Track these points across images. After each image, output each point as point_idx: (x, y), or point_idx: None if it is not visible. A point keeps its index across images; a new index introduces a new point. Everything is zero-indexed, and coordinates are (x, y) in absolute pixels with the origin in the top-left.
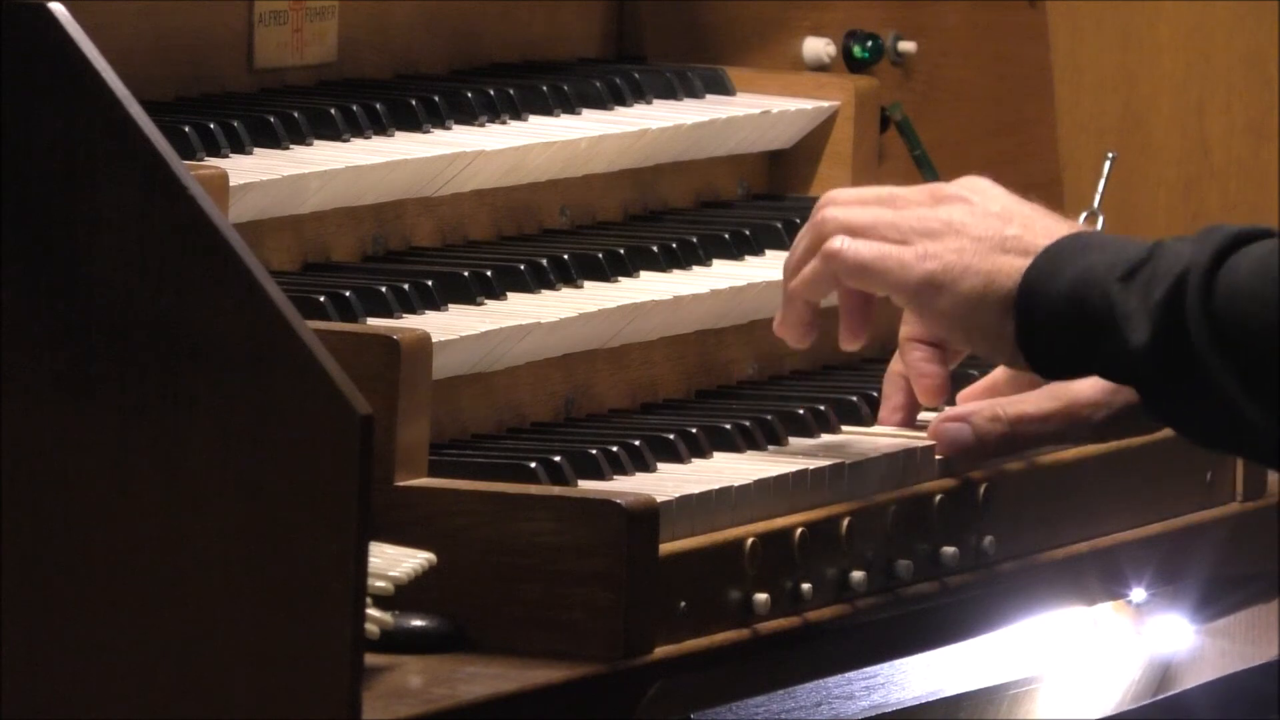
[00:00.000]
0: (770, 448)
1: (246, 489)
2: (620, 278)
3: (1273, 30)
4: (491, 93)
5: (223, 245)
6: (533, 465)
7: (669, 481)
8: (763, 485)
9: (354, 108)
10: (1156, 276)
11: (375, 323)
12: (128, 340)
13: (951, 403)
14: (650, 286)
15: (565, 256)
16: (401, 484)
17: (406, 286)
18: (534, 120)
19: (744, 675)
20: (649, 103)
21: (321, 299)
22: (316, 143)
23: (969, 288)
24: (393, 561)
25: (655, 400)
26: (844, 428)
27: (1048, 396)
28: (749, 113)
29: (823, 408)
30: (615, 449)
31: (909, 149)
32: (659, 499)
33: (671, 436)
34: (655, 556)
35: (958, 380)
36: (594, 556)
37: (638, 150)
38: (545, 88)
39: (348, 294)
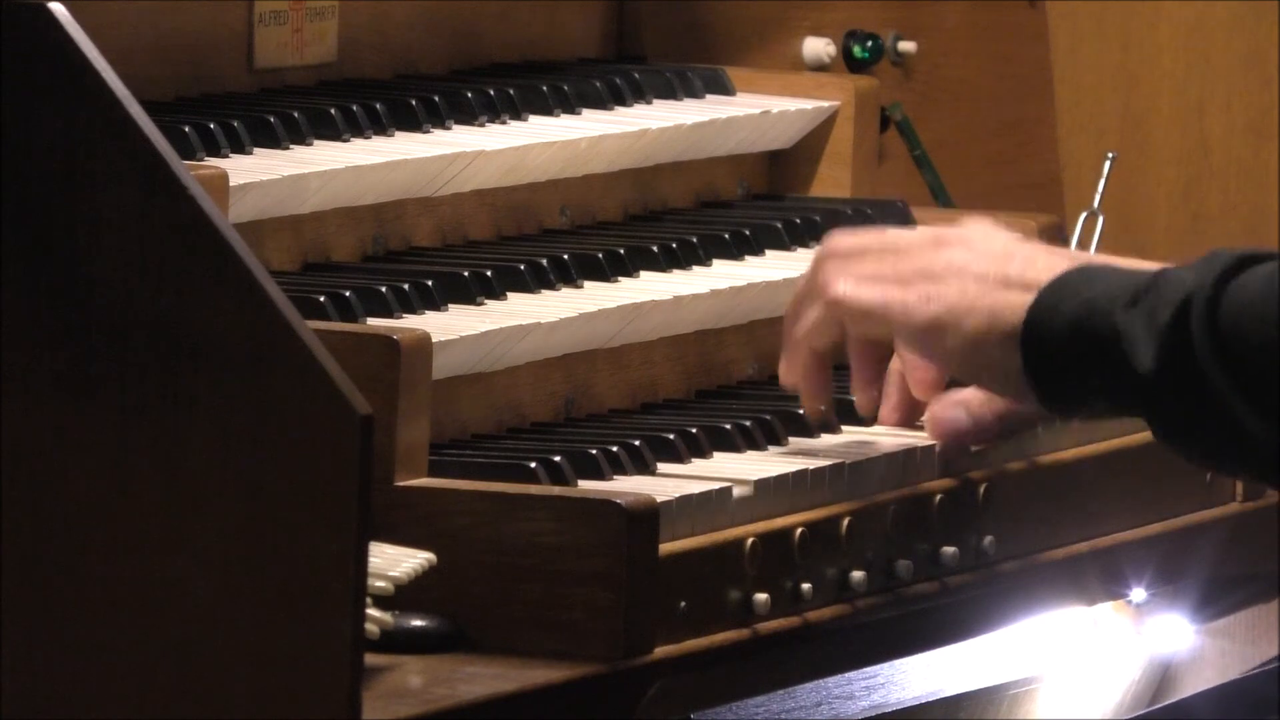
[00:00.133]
0: (770, 448)
1: (246, 489)
2: (620, 278)
3: (1273, 30)
4: (491, 93)
5: (223, 245)
6: (533, 465)
7: (669, 481)
8: (763, 485)
9: (354, 108)
10: (1161, 301)
11: (375, 323)
12: (128, 340)
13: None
14: (650, 286)
15: (565, 256)
16: (401, 484)
17: (406, 286)
18: (534, 120)
19: (744, 675)
20: (649, 103)
21: (321, 299)
22: (316, 143)
23: (974, 326)
24: (393, 561)
25: (655, 400)
26: (844, 428)
27: None
28: (749, 113)
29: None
30: (615, 449)
31: (909, 149)
32: (659, 499)
33: (671, 436)
34: (655, 556)
35: None
36: (594, 556)
37: (638, 150)
38: (545, 88)
39: (348, 294)
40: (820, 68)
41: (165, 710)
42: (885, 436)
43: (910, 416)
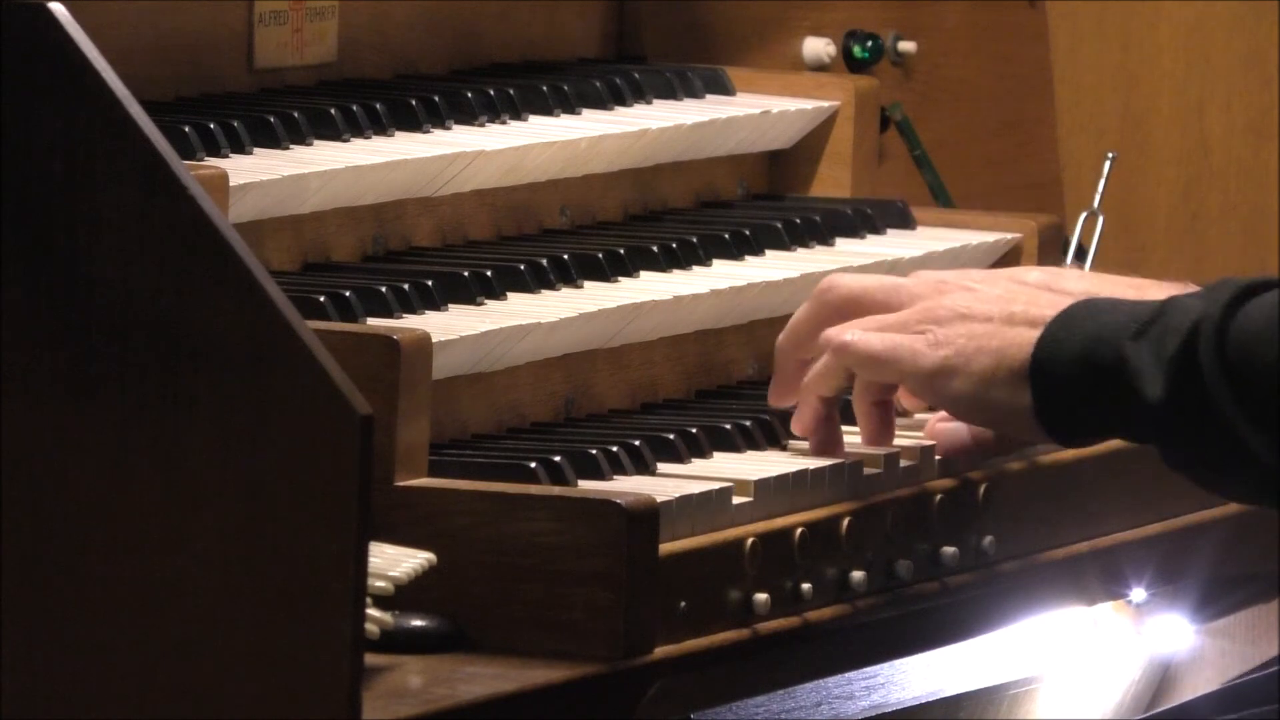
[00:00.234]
0: (770, 448)
1: (246, 489)
2: (620, 278)
3: (1273, 30)
4: (491, 93)
5: (223, 245)
6: (533, 465)
7: (669, 481)
8: (763, 485)
9: (354, 108)
10: (1168, 331)
11: (375, 323)
12: (128, 340)
13: None
14: (650, 286)
15: (565, 256)
16: (401, 484)
17: (406, 286)
18: (534, 120)
19: (744, 675)
20: (649, 103)
21: (321, 299)
22: (316, 143)
23: (982, 367)
24: (393, 561)
25: (655, 400)
26: (844, 428)
27: None
28: (749, 113)
29: None
30: (615, 449)
31: (909, 149)
32: (659, 499)
33: (671, 436)
34: (655, 556)
35: None
36: (594, 556)
37: (638, 150)
38: (545, 88)
39: (348, 294)
40: (820, 68)
41: (165, 710)
42: None
43: (889, 429)
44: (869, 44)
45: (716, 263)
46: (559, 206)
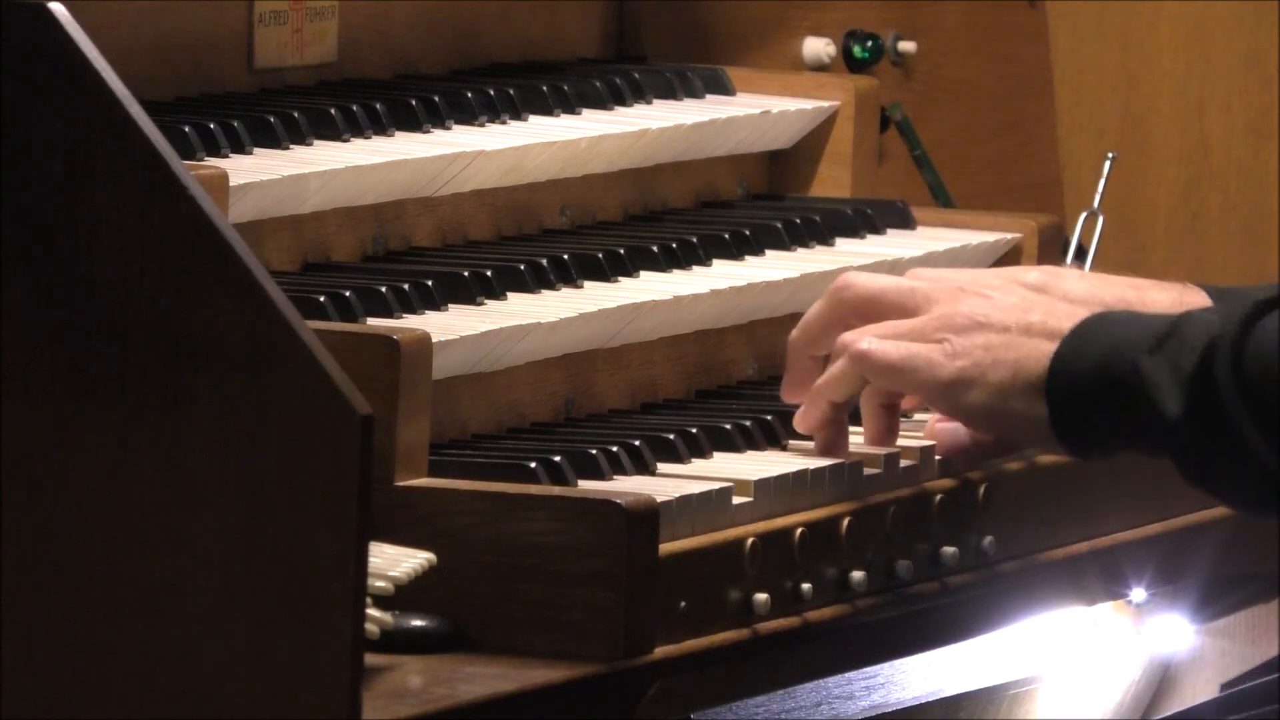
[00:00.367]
0: (770, 448)
1: (246, 489)
2: (620, 278)
3: (1273, 30)
4: (491, 93)
5: (223, 245)
6: (533, 465)
7: (669, 481)
8: (763, 485)
9: (354, 108)
10: (1185, 347)
11: (375, 323)
12: (128, 340)
13: None
14: (650, 286)
15: (565, 256)
16: (401, 484)
17: (406, 286)
18: (534, 120)
19: (744, 675)
20: (649, 103)
21: (321, 299)
22: (316, 143)
23: (998, 379)
24: (393, 561)
25: (655, 400)
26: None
27: None
28: (749, 113)
29: None
30: (615, 449)
31: (909, 149)
32: (659, 499)
33: (671, 436)
34: (655, 556)
35: None
36: (594, 556)
37: (638, 150)
38: (545, 88)
39: (348, 294)
40: (820, 68)
41: (165, 710)
42: None
43: (894, 432)
44: (869, 44)
45: (716, 263)
46: (559, 206)
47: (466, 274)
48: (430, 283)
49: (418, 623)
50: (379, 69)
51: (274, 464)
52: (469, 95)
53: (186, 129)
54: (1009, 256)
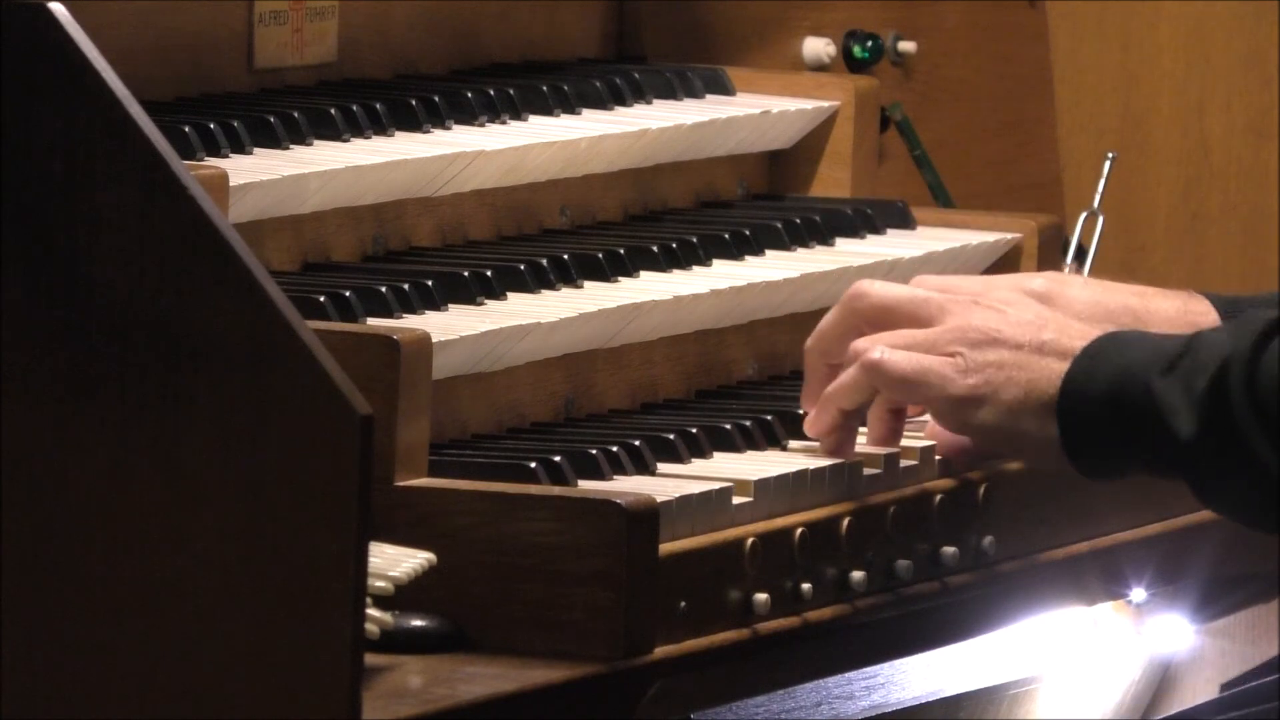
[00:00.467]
0: (770, 448)
1: (246, 489)
2: (620, 278)
3: (1273, 30)
4: (491, 93)
5: (223, 245)
6: (533, 465)
7: (669, 481)
8: (763, 485)
9: (354, 108)
10: (1197, 368)
11: (375, 323)
12: (128, 340)
13: None
14: (650, 286)
15: (565, 256)
16: (401, 484)
17: (406, 286)
18: (534, 120)
19: (744, 675)
20: (649, 103)
21: (321, 299)
22: (316, 143)
23: (1010, 398)
24: (393, 561)
25: (655, 400)
26: None
27: None
28: (749, 113)
29: None
30: (615, 449)
31: (909, 149)
32: (659, 499)
33: (671, 436)
34: (655, 556)
35: None
36: (594, 556)
37: (638, 150)
38: (545, 88)
39: (348, 294)
40: (820, 68)
41: (165, 710)
42: None
43: (898, 436)
44: (869, 44)
45: (716, 263)
46: (559, 206)
47: (466, 274)
48: (430, 283)
49: (418, 623)
50: (379, 69)
51: (274, 464)
52: (469, 95)
53: (186, 129)
54: (1009, 256)
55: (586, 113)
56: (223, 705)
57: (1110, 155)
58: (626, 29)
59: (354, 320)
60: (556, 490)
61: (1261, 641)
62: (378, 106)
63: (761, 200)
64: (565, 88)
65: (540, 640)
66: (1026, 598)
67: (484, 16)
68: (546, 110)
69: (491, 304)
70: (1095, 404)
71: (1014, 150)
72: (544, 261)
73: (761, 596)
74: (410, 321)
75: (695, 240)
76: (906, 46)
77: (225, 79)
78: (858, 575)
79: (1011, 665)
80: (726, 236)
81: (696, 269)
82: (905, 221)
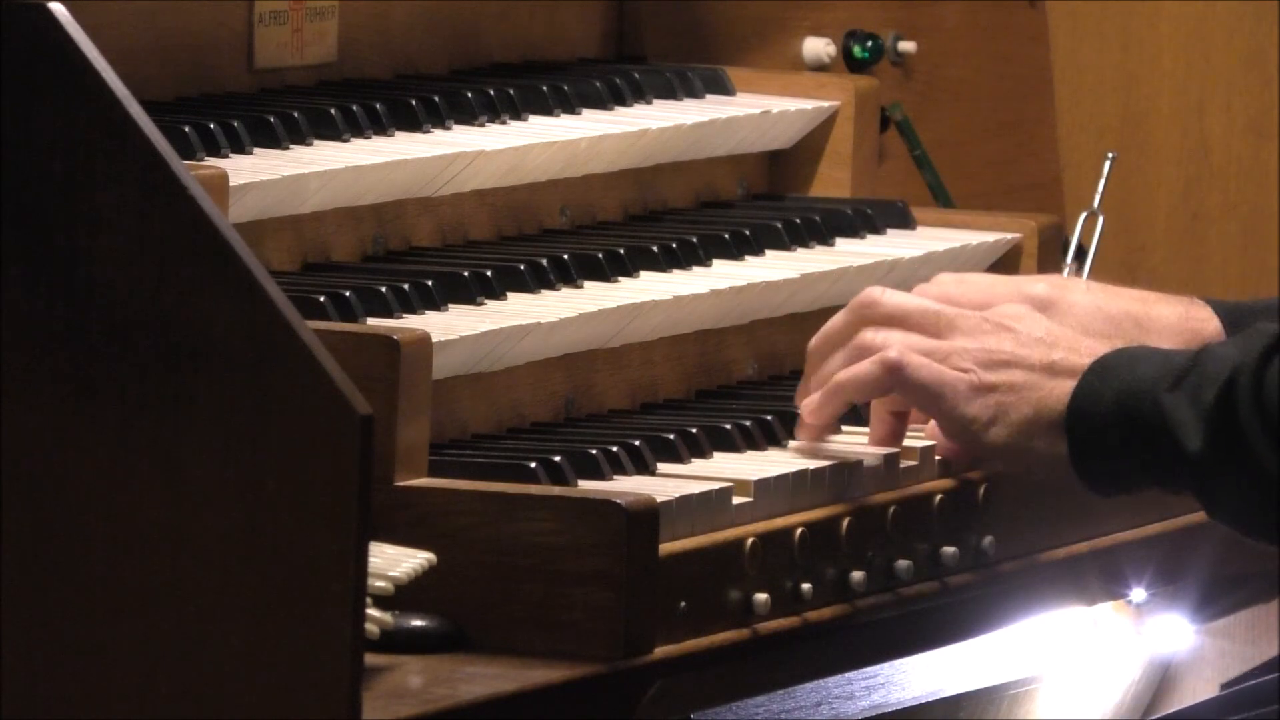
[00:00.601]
0: (770, 448)
1: (246, 489)
2: (620, 278)
3: (1273, 30)
4: (491, 93)
5: (223, 245)
6: (533, 465)
7: (669, 481)
8: (763, 485)
9: (354, 108)
10: (1205, 381)
11: (375, 323)
12: (128, 340)
13: None
14: (650, 286)
15: (565, 256)
16: (401, 484)
17: (406, 286)
18: (534, 120)
19: (744, 675)
20: (649, 103)
21: (321, 299)
22: (316, 143)
23: (1021, 417)
24: (393, 561)
25: (655, 400)
26: (844, 428)
27: None
28: (749, 113)
29: None
30: (615, 449)
31: (909, 149)
32: (659, 499)
33: (671, 436)
34: (655, 556)
35: None
36: (594, 556)
37: (638, 150)
38: (545, 88)
39: (348, 294)
40: (820, 68)
41: (165, 710)
42: None
43: (899, 437)
44: (869, 44)
45: (716, 263)
46: (559, 206)
47: (466, 274)
48: (430, 283)
49: (418, 623)
50: (379, 69)
51: (274, 464)
52: (469, 95)
53: (186, 129)
54: (1009, 256)
55: (586, 113)
56: (223, 705)
57: (1110, 155)
58: (626, 29)
59: (354, 320)
60: (556, 490)
61: (1261, 641)
62: (378, 106)
63: (761, 200)
64: (565, 88)
65: (540, 640)
66: (1026, 598)
67: (484, 16)
68: (546, 110)
69: (491, 304)
70: (1103, 421)
71: (1014, 150)
72: (544, 261)
73: (761, 596)
74: (410, 321)
75: (695, 240)
76: (906, 46)
77: (225, 79)
78: (858, 575)
79: (1011, 665)
80: (726, 236)
81: (696, 269)
82: (905, 221)
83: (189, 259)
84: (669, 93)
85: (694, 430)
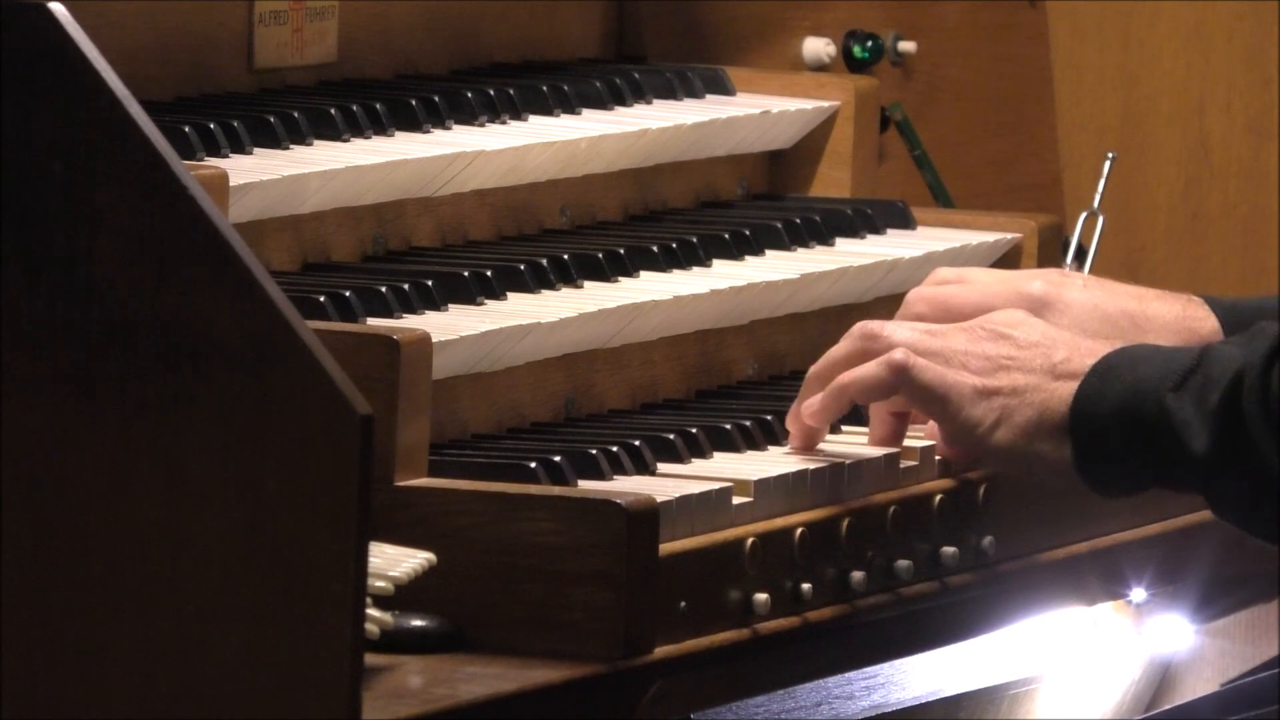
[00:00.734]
0: (770, 448)
1: (246, 489)
2: (620, 278)
3: (1273, 30)
4: (491, 93)
5: (223, 245)
6: (533, 465)
7: (669, 481)
8: (763, 485)
9: (354, 108)
10: (1209, 382)
11: (375, 323)
12: (128, 340)
13: None
14: (650, 286)
15: (565, 256)
16: (401, 484)
17: (406, 286)
18: (534, 120)
19: (744, 675)
20: (649, 103)
21: (321, 299)
22: (316, 143)
23: (1024, 420)
24: (393, 561)
25: (655, 400)
26: (844, 428)
27: None
28: (749, 113)
29: None
30: (615, 449)
31: (909, 149)
32: (659, 499)
33: (671, 436)
34: (655, 556)
35: None
36: (594, 556)
37: (638, 150)
38: (545, 88)
39: (348, 294)
40: (820, 68)
41: (165, 710)
42: None
43: (899, 438)
44: (869, 44)
45: (716, 263)
46: (559, 206)
47: (466, 274)
48: (430, 283)
49: (418, 623)
50: (379, 69)
51: (274, 464)
52: (469, 95)
53: (186, 129)
54: (1009, 256)
55: (586, 113)
56: (223, 705)
57: (1110, 155)
58: (626, 29)
59: (354, 320)
60: (557, 490)
61: (1261, 641)
62: (378, 106)
63: (761, 200)
64: (565, 88)
65: (540, 640)
66: (1026, 598)
67: (484, 16)
68: (546, 110)
69: (491, 304)
70: (1107, 422)
71: (1014, 150)
72: (544, 261)
73: (761, 596)
74: (410, 321)
75: (695, 240)
76: (906, 46)
77: (225, 79)
78: (858, 575)
79: (1011, 665)
80: (726, 236)
81: (696, 269)
82: (905, 221)
83: (189, 259)
84: (669, 93)
85: (694, 430)
